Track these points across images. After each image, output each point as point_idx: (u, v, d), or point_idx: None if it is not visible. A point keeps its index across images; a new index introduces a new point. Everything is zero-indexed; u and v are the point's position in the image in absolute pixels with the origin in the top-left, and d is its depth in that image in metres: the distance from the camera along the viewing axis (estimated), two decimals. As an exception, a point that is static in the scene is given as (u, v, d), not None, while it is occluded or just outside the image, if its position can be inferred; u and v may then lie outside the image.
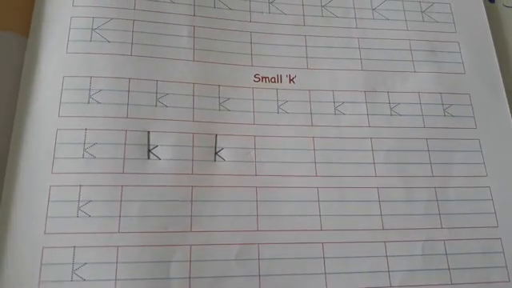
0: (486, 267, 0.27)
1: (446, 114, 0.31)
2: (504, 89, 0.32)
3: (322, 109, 0.30)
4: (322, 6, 0.32)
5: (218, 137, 0.28)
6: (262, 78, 0.30)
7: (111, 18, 0.29)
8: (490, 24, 0.34)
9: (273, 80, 0.30)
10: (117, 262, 0.24)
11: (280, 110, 0.29)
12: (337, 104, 0.30)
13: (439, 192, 0.29)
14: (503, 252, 0.28)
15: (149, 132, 0.27)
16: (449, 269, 0.27)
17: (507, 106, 0.31)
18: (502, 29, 0.35)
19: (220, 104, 0.28)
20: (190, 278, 0.24)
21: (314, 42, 0.31)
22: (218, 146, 0.27)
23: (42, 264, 0.24)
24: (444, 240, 0.27)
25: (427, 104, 0.31)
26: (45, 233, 0.24)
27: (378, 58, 0.32)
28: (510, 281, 0.27)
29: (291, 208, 0.27)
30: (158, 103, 0.27)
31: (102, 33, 0.28)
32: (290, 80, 0.30)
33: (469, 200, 0.29)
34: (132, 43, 0.28)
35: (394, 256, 0.27)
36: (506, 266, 0.27)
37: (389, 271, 0.26)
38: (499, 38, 0.34)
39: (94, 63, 0.27)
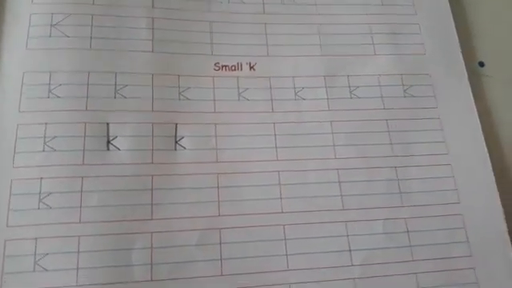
0: (448, 243, 0.28)
1: (406, 94, 0.31)
2: (465, 67, 0.32)
3: (282, 95, 0.30)
4: (281, -6, 0.33)
5: (178, 126, 0.28)
6: (222, 66, 0.30)
7: (70, 14, 0.29)
8: (450, 4, 0.34)
9: (233, 68, 0.30)
10: (78, 252, 0.24)
11: (241, 98, 0.30)
12: (297, 90, 0.30)
13: (400, 171, 0.29)
14: (464, 228, 0.28)
15: (108, 123, 0.27)
16: (410, 246, 0.27)
17: (468, 84, 0.32)
18: (463, 8, 0.35)
19: (180, 93, 0.29)
20: (151, 264, 0.25)
21: (274, 29, 0.32)
22: (178, 134, 0.28)
23: (4, 256, 0.24)
24: (405, 218, 0.28)
25: (387, 86, 0.31)
26: (7, 226, 0.25)
27: (337, 42, 0.32)
28: (471, 255, 0.28)
29: (252, 192, 0.27)
30: (116, 95, 0.28)
31: (61, 28, 0.29)
32: (251, 67, 0.30)
33: (430, 178, 0.29)
34: (91, 37, 0.29)
35: (355, 235, 0.27)
36: (468, 241, 0.28)
37: (350, 250, 0.27)
38: (460, 18, 0.35)
39: (53, 58, 0.28)
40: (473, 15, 0.35)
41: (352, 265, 0.27)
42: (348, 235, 0.27)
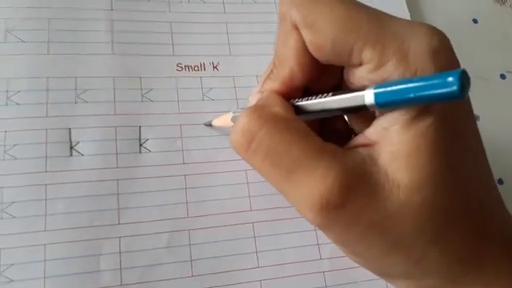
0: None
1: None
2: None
3: (246, 93, 0.30)
4: (242, -7, 0.33)
5: (142, 128, 0.28)
6: (185, 66, 0.30)
7: (26, 18, 0.28)
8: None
9: (196, 68, 0.30)
10: (45, 260, 0.24)
11: (205, 98, 0.30)
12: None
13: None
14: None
15: (70, 129, 0.27)
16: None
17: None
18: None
19: (142, 95, 0.28)
20: (120, 269, 0.25)
21: (236, 28, 0.32)
22: (142, 137, 0.28)
23: (-33, 269, 0.23)
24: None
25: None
26: (-31, 238, 0.24)
27: (299, 39, 0.32)
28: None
29: (221, 192, 0.28)
30: (77, 99, 0.27)
31: (17, 33, 0.28)
32: (214, 67, 0.31)
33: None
34: (48, 42, 0.28)
35: (323, 229, 0.28)
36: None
37: (318, 244, 0.27)
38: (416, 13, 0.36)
39: (10, 65, 0.27)
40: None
41: (320, 258, 0.27)
42: (316, 230, 0.28)
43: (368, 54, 0.17)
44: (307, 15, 0.18)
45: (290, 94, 0.20)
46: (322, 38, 0.18)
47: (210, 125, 0.28)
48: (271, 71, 0.21)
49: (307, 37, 0.19)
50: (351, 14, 0.18)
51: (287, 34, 0.19)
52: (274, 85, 0.20)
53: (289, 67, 0.20)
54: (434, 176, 0.17)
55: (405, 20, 0.18)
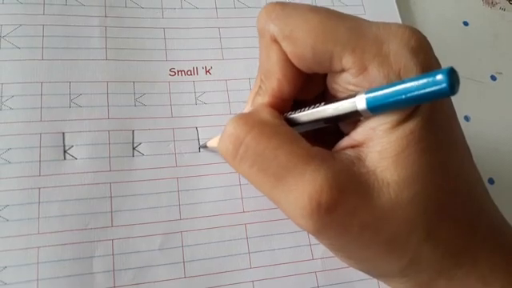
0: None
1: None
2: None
3: (239, 97, 0.31)
4: (233, -2, 0.33)
5: (135, 132, 0.28)
6: (178, 71, 0.30)
7: (20, 25, 0.29)
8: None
9: (189, 73, 0.31)
10: (38, 263, 0.24)
11: (198, 102, 0.30)
12: (253, 91, 0.31)
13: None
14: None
15: (64, 133, 0.27)
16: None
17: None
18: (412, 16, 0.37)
19: (135, 100, 0.29)
20: (113, 271, 0.25)
21: (228, 33, 0.32)
22: (135, 141, 0.28)
23: (-39, 273, 0.24)
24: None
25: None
26: (-37, 242, 0.24)
27: (291, 43, 0.33)
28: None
29: (213, 194, 0.28)
30: (71, 104, 0.28)
31: (12, 40, 0.28)
32: (207, 71, 0.31)
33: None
34: (43, 47, 0.29)
35: (315, 230, 0.28)
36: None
37: (310, 245, 0.27)
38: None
39: (4, 70, 0.28)
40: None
41: (313, 258, 0.27)
42: (308, 230, 0.28)
43: (349, 60, 0.18)
44: (284, 27, 0.19)
45: (281, 107, 0.20)
46: (301, 47, 0.19)
47: (205, 147, 0.28)
48: (259, 87, 0.21)
49: (287, 48, 0.19)
50: (327, 22, 0.18)
51: (268, 48, 0.20)
52: (264, 99, 0.20)
53: (276, 79, 0.20)
54: (423, 172, 0.17)
55: (382, 23, 0.18)
